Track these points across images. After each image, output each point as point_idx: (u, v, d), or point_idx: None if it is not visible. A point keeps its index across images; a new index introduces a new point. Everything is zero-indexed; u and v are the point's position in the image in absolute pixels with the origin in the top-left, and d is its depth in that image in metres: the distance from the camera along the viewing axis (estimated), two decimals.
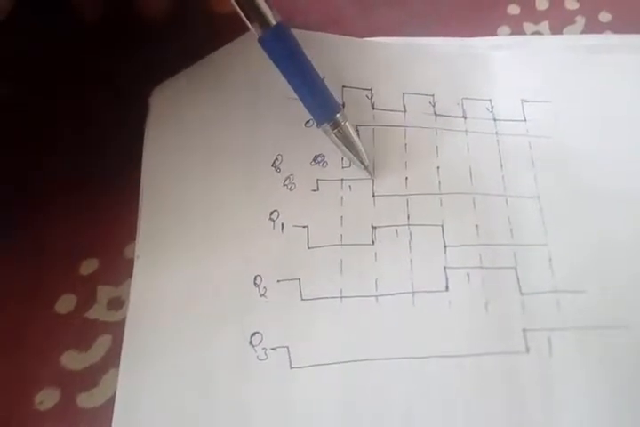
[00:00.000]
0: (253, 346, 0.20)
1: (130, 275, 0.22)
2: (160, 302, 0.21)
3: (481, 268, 0.20)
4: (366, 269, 0.20)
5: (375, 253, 0.21)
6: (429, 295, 0.20)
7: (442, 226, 0.21)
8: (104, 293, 0.22)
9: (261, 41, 0.20)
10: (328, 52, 0.24)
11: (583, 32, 0.27)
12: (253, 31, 0.20)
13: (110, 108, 0.25)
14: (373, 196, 0.22)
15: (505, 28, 0.27)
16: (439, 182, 0.22)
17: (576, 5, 0.28)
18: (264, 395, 0.19)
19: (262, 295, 0.20)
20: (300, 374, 0.19)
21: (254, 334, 0.20)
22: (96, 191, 0.24)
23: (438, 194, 0.22)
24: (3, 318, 0.21)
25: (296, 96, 0.21)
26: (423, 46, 0.26)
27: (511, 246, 0.21)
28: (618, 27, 0.27)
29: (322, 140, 0.22)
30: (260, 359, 0.19)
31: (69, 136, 0.25)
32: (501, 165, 0.22)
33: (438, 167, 0.22)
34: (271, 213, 0.22)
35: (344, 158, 0.22)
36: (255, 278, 0.21)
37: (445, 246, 0.21)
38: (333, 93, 0.22)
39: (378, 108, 0.23)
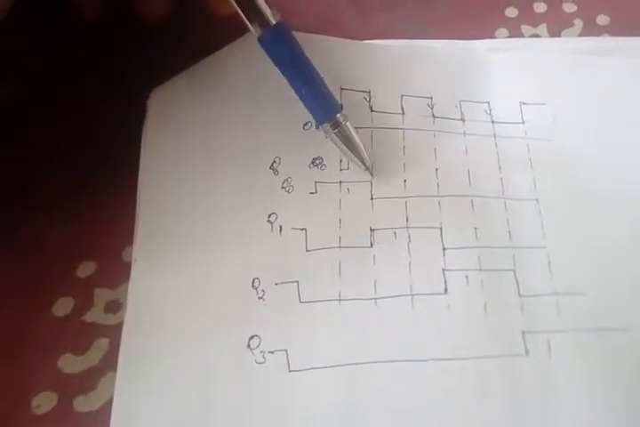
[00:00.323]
0: (251, 349, 0.19)
1: (127, 278, 0.21)
2: (157, 306, 0.21)
3: (480, 270, 0.20)
4: (365, 271, 0.20)
5: (374, 256, 0.21)
6: (428, 298, 0.20)
7: (440, 228, 0.21)
8: (101, 296, 0.22)
9: (261, 40, 0.20)
10: (326, 54, 0.24)
11: (581, 35, 0.27)
12: (253, 31, 0.20)
13: (110, 109, 0.25)
14: (372, 198, 0.22)
15: (503, 31, 0.27)
16: (438, 185, 0.22)
17: (574, 8, 0.28)
18: (262, 398, 0.19)
19: (260, 298, 0.20)
20: (298, 377, 0.19)
21: (252, 337, 0.20)
22: (95, 192, 0.24)
23: (437, 196, 0.22)
24: (0, 321, 0.21)
25: (295, 97, 0.21)
26: (421, 49, 0.26)
27: (510, 249, 0.21)
28: (615, 29, 0.27)
29: (320, 142, 0.22)
30: (258, 363, 0.19)
31: (69, 136, 0.25)
32: (500, 168, 0.22)
33: (437, 169, 0.22)
34: (269, 216, 0.22)
35: (342, 161, 0.22)
36: (253, 281, 0.21)
37: (444, 249, 0.21)
38: None
39: (376, 111, 0.23)
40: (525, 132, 0.23)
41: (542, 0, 0.28)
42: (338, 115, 0.21)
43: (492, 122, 0.24)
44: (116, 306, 0.21)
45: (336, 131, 0.21)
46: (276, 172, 0.22)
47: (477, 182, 0.22)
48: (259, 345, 0.20)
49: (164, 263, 0.21)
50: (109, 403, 0.19)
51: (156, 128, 0.24)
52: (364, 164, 0.22)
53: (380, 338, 0.19)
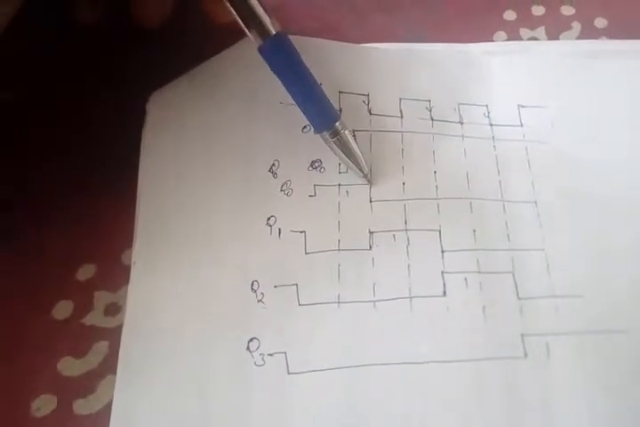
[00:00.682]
0: (251, 352, 0.19)
1: (127, 281, 0.21)
2: (157, 308, 0.21)
3: (478, 273, 0.20)
4: (364, 274, 0.20)
5: (372, 259, 0.21)
6: (427, 300, 0.20)
7: (439, 231, 0.21)
8: (101, 299, 0.22)
9: (261, 50, 0.20)
10: (325, 57, 0.24)
11: (579, 38, 0.27)
12: (253, 40, 0.20)
13: (110, 109, 0.25)
14: (370, 201, 0.22)
15: (501, 34, 0.27)
16: (436, 187, 0.22)
17: (572, 11, 0.28)
18: (262, 401, 0.19)
19: (260, 301, 0.20)
20: (297, 379, 0.19)
21: (252, 339, 0.20)
22: (95, 194, 0.24)
23: (435, 199, 0.22)
24: None
25: (293, 102, 0.21)
26: (420, 52, 0.26)
27: (508, 251, 0.21)
28: (613, 32, 0.27)
29: (319, 145, 0.22)
30: (257, 365, 0.19)
31: (69, 136, 0.25)
32: (498, 171, 0.22)
33: (435, 172, 0.22)
34: (268, 219, 0.22)
35: (341, 164, 0.22)
36: (252, 284, 0.21)
37: (443, 251, 0.21)
38: (330, 99, 0.22)
39: (374, 114, 0.24)
40: (524, 135, 0.23)
41: (540, 3, 0.28)
42: (336, 123, 0.21)
43: (491, 125, 0.24)
44: (115, 309, 0.21)
45: (335, 139, 0.21)
46: (274, 175, 0.23)
47: (476, 185, 0.22)
48: (258, 348, 0.20)
49: (163, 266, 0.21)
50: (109, 406, 0.19)
51: (155, 131, 0.24)
52: (362, 171, 0.22)
53: (378, 340, 0.19)
